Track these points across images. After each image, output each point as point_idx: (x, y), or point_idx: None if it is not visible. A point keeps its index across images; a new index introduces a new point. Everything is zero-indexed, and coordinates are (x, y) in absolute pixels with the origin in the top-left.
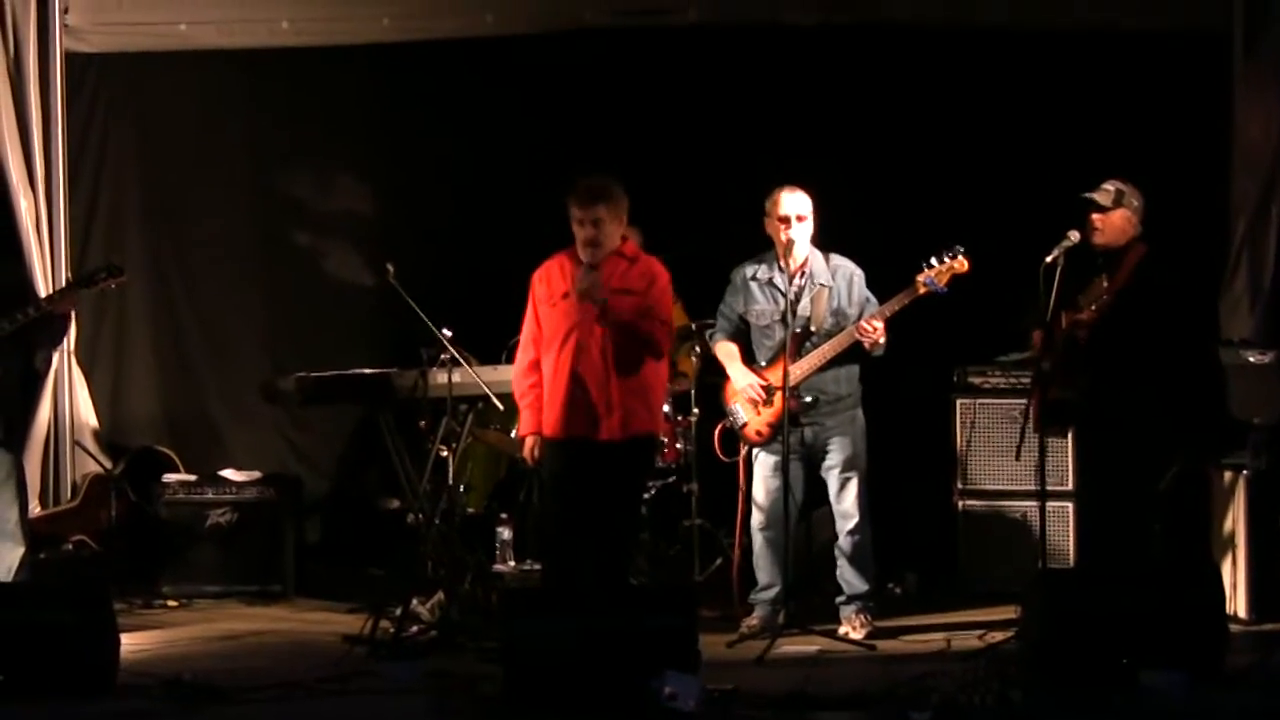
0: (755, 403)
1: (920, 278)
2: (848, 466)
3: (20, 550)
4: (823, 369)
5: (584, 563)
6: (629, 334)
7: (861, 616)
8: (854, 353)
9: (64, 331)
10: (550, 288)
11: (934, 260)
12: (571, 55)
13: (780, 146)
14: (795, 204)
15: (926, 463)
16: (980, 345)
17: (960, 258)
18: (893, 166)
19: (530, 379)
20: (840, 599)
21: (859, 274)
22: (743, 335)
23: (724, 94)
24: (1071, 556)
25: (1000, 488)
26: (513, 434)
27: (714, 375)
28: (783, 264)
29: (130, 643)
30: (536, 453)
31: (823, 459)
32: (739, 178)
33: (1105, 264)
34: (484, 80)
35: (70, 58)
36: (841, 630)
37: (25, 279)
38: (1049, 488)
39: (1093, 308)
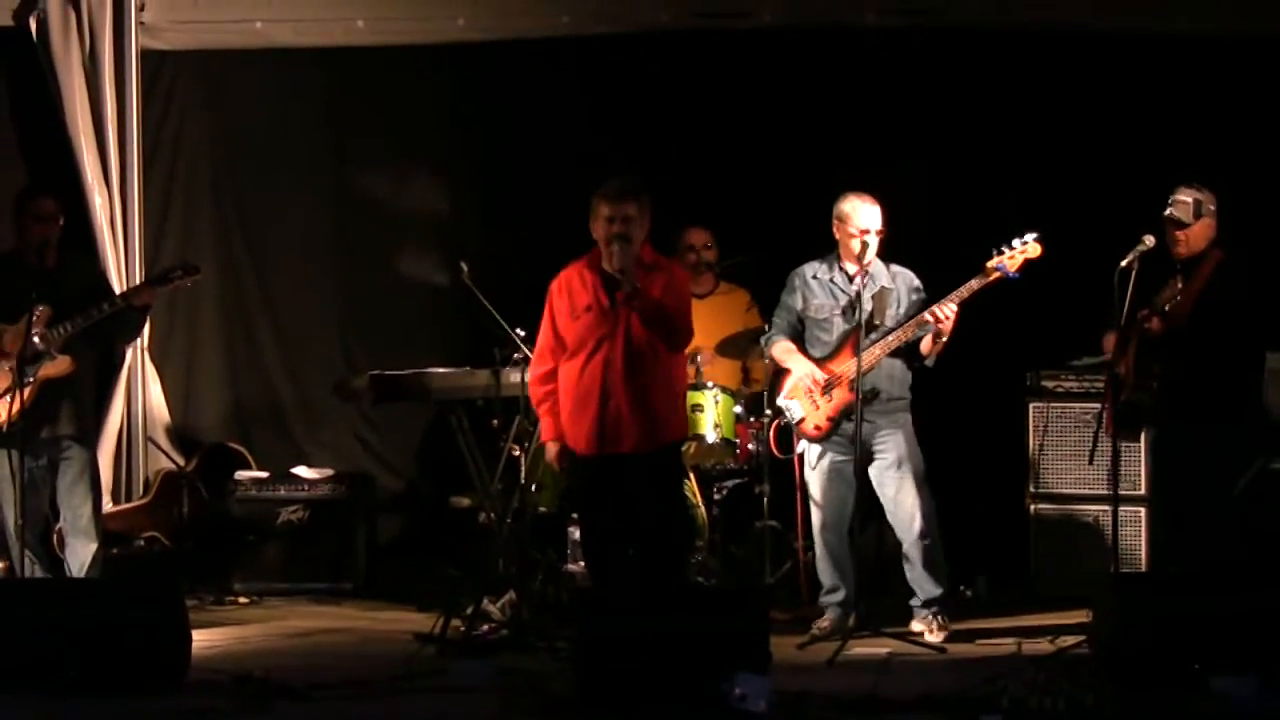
0: (813, 395)
1: (991, 262)
2: (901, 465)
3: (93, 546)
4: (879, 368)
5: (633, 573)
6: (655, 321)
7: (938, 619)
8: (909, 358)
9: (139, 327)
10: (572, 300)
11: (1004, 246)
12: (647, 57)
13: (854, 149)
14: (873, 219)
15: (999, 466)
16: (1054, 349)
17: (1032, 243)
18: (967, 170)
19: (547, 386)
20: (915, 602)
21: (918, 283)
22: (799, 336)
23: (798, 97)
24: (1144, 561)
25: (1073, 491)
26: None
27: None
28: (845, 267)
29: (201, 639)
30: (561, 460)
31: (874, 459)
32: (811, 180)
33: (1183, 268)
34: (559, 81)
35: (145, 55)
36: (917, 631)
37: (100, 275)
38: (1122, 492)
39: (1166, 308)
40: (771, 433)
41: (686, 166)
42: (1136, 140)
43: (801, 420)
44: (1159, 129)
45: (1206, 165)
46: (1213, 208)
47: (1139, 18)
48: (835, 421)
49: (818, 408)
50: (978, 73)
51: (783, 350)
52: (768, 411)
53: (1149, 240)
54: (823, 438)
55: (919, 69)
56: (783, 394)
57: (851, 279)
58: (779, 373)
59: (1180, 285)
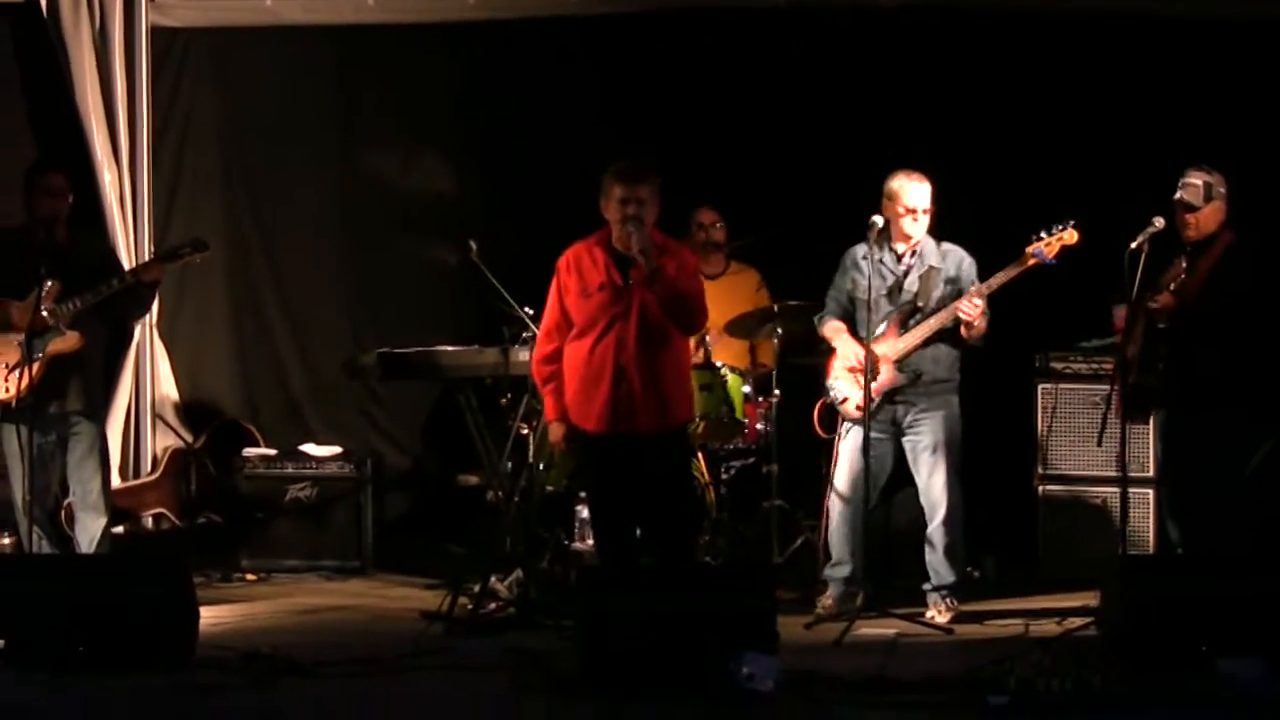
0: (856, 376)
1: (1029, 249)
2: (937, 449)
3: (102, 522)
4: (924, 348)
5: (642, 553)
6: (672, 304)
7: (947, 601)
8: (955, 338)
9: (148, 304)
10: (583, 278)
11: (1043, 232)
12: (657, 36)
13: (866, 130)
14: (923, 197)
15: (1007, 447)
16: (1062, 331)
17: (1070, 229)
18: (977, 152)
19: (552, 366)
20: (927, 586)
21: (969, 260)
22: (850, 316)
23: (809, 77)
24: (1151, 543)
25: (1081, 473)
26: None
27: (794, 356)
28: (894, 246)
29: (209, 616)
30: (566, 441)
31: (912, 440)
32: (822, 161)
33: (1194, 250)
34: (569, 59)
35: (155, 32)
36: (928, 614)
37: (109, 251)
38: (1130, 474)
39: (1171, 288)
40: (816, 412)
41: (696, 146)
42: (1146, 122)
43: (845, 400)
44: (1169, 111)
45: (1216, 147)
46: (1223, 190)
47: (1145, 1)
48: (877, 402)
49: (861, 387)
50: (989, 54)
51: (832, 330)
52: (775, 392)
53: (1159, 222)
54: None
55: (931, 50)
56: (829, 374)
57: (901, 258)
58: (813, 356)
59: (1184, 265)
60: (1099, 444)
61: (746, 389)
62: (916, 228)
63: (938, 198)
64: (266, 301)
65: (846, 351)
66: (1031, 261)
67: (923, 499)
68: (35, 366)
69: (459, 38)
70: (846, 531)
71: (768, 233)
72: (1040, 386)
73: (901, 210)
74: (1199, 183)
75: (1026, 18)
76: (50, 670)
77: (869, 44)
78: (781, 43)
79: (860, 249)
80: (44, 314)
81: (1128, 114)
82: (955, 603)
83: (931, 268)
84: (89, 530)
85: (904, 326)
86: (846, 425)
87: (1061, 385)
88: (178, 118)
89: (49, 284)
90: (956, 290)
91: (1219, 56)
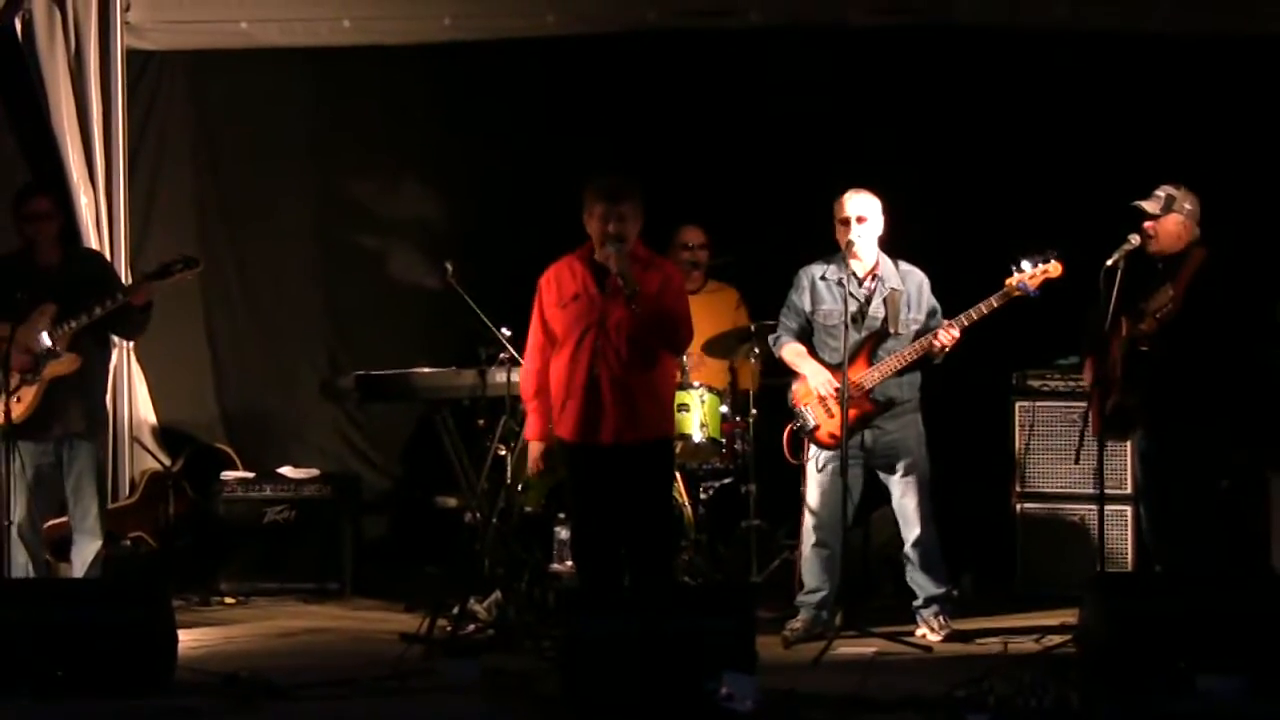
0: (827, 404)
1: (1011, 281)
2: (910, 471)
3: (97, 544)
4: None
5: (621, 568)
6: (651, 324)
7: (939, 619)
8: (920, 362)
9: (142, 325)
10: (560, 290)
11: (1025, 264)
12: (634, 56)
13: (843, 150)
14: (858, 205)
15: (985, 465)
16: (1040, 348)
17: (1054, 262)
18: (958, 170)
19: (539, 381)
20: (916, 603)
21: (926, 281)
22: (808, 336)
23: (786, 95)
24: (1130, 560)
25: (1059, 491)
26: None
27: (773, 376)
28: (854, 268)
29: (188, 639)
30: (543, 462)
31: (883, 464)
32: (801, 181)
33: (1165, 269)
34: (546, 81)
35: (130, 55)
36: (919, 633)
37: (106, 271)
38: (1107, 491)
39: (1156, 316)
40: (785, 438)
41: (673, 165)
42: (1124, 141)
43: (816, 428)
44: (1146, 130)
45: (1194, 167)
46: (1189, 207)
47: (1118, 18)
48: (850, 429)
49: (832, 416)
50: (964, 71)
51: (794, 354)
52: (753, 411)
53: (1134, 239)
54: (837, 445)
55: (906, 68)
56: (797, 400)
57: (862, 282)
58: (785, 377)
59: (1170, 293)
60: (1076, 461)
61: (724, 409)
62: (857, 238)
63: (920, 218)
64: (243, 324)
65: (816, 377)
66: (1015, 294)
67: (899, 517)
68: (34, 390)
69: (435, 59)
70: (820, 559)
71: (744, 254)
72: (1018, 404)
73: (839, 222)
74: (1161, 195)
75: (996, 35)
76: (29, 695)
77: (841, 62)
78: (758, 63)
79: (816, 269)
80: (42, 336)
81: (1104, 133)
82: (947, 619)
83: (894, 290)
84: (83, 554)
85: (874, 354)
86: (815, 451)
87: (1039, 403)
88: (153, 140)
89: (45, 306)
90: (931, 313)
91: (1198, 74)
